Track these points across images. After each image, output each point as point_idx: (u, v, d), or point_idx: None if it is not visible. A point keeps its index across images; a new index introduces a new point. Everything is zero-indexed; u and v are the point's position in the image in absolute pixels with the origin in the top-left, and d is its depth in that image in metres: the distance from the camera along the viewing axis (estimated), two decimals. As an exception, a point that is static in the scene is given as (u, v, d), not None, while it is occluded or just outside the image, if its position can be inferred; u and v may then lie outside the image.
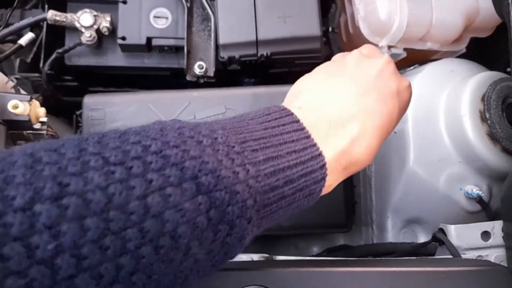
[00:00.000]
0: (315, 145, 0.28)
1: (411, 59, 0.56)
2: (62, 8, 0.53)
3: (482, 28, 0.56)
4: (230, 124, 0.27)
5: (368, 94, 0.32)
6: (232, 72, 0.54)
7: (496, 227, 0.42)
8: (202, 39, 0.54)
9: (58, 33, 0.54)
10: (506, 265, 0.40)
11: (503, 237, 0.42)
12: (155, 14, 0.53)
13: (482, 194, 0.47)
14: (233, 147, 0.24)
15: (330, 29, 0.60)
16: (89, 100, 0.50)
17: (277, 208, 0.26)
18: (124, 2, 0.53)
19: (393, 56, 0.54)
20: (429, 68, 0.52)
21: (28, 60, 0.54)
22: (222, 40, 0.51)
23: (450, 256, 0.42)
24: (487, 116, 0.46)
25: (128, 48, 0.53)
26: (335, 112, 0.30)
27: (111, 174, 0.19)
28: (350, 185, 0.55)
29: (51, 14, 0.51)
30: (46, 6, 0.54)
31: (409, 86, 0.35)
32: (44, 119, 0.45)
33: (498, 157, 0.46)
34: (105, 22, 0.52)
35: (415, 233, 0.53)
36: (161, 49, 0.54)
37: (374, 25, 0.53)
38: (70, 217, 0.17)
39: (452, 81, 0.51)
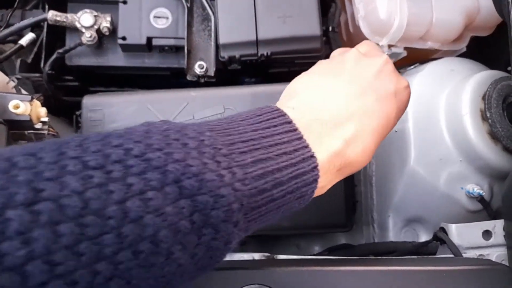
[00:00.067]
0: (307, 146, 0.27)
1: (411, 58, 0.56)
2: (63, 9, 0.54)
3: (483, 27, 0.56)
4: (220, 126, 0.26)
5: (365, 95, 0.31)
6: (233, 71, 0.54)
7: (497, 226, 0.42)
8: (202, 39, 0.54)
9: (58, 33, 0.54)
10: (507, 264, 0.40)
11: (504, 236, 0.41)
12: (155, 14, 0.53)
13: (483, 193, 0.47)
14: (220, 149, 0.24)
15: (330, 28, 0.60)
16: (88, 101, 0.50)
17: (266, 211, 0.25)
18: (124, 2, 0.53)
19: (393, 55, 0.54)
20: (430, 67, 0.52)
21: (29, 60, 0.54)
22: (222, 40, 0.51)
23: (451, 255, 0.41)
24: (488, 115, 0.46)
25: (128, 48, 0.54)
26: (331, 112, 0.30)
27: (89, 179, 0.19)
28: (350, 184, 0.55)
29: (52, 15, 0.51)
30: (47, 7, 0.54)
31: (408, 86, 0.35)
32: (45, 119, 0.44)
33: (499, 156, 0.46)
34: (105, 22, 0.52)
35: (416, 232, 0.53)
36: (162, 49, 0.54)
37: (374, 25, 0.53)
38: (43, 222, 0.17)
39: (453, 80, 0.51)
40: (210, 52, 0.53)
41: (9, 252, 0.16)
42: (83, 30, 0.51)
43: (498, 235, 0.42)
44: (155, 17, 0.53)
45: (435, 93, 0.50)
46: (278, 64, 0.55)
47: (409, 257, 0.46)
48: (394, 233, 0.54)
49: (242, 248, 0.57)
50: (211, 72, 0.52)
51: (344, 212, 0.51)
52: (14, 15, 0.54)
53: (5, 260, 0.16)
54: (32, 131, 0.44)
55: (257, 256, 0.41)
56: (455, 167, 0.48)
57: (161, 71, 0.56)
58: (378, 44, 0.53)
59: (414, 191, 0.51)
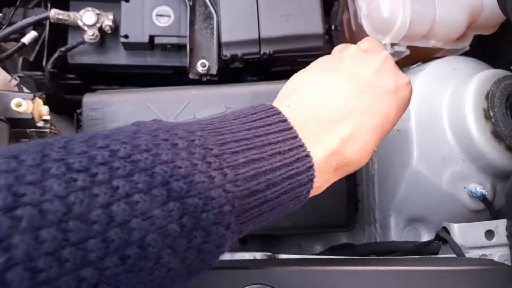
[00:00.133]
0: (302, 145, 0.27)
1: (414, 56, 0.55)
2: (65, 7, 0.53)
3: (486, 26, 0.55)
4: (211, 125, 0.25)
5: (363, 92, 0.31)
6: (235, 70, 0.54)
7: (500, 226, 0.42)
8: (204, 37, 0.54)
9: (61, 31, 0.54)
10: (510, 264, 0.40)
11: (507, 236, 0.41)
12: (158, 13, 0.53)
13: (486, 193, 0.47)
14: (211, 149, 0.23)
15: (332, 27, 0.59)
16: (88, 99, 0.50)
17: (260, 212, 0.25)
18: (127, 1, 0.53)
19: (396, 53, 0.54)
20: (433, 66, 0.52)
21: (31, 58, 0.54)
22: (224, 38, 0.51)
23: (454, 255, 0.41)
24: (491, 114, 0.46)
25: (130, 47, 0.53)
26: (328, 110, 0.29)
27: (72, 182, 0.19)
28: (352, 183, 0.55)
29: (54, 13, 0.51)
30: (49, 5, 0.54)
31: (409, 82, 0.34)
32: (47, 117, 0.45)
33: (502, 156, 0.46)
34: (107, 21, 0.52)
35: (418, 231, 0.53)
36: (164, 47, 0.54)
37: (377, 23, 0.52)
38: (23, 228, 0.17)
39: (456, 79, 0.50)
40: (212, 51, 0.53)
41: None
42: (85, 28, 0.51)
43: (501, 235, 0.42)
44: (157, 15, 0.53)
45: (437, 92, 0.50)
46: (280, 63, 0.55)
47: (411, 257, 0.46)
48: (396, 233, 0.54)
49: (243, 247, 0.57)
50: (214, 71, 0.52)
51: (346, 212, 0.50)
52: (17, 13, 0.54)
53: None
54: (34, 129, 0.44)
55: (258, 255, 0.41)
56: (457, 167, 0.48)
57: (163, 70, 0.56)
58: (380, 42, 0.52)
59: (416, 191, 0.51)
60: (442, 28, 0.52)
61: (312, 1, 0.51)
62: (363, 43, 0.37)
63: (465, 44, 0.56)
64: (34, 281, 0.16)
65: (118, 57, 0.54)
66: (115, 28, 0.53)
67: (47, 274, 0.17)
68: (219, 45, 0.52)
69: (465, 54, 0.56)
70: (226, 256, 0.41)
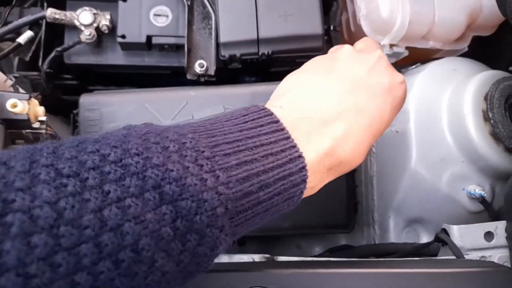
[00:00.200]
0: (294, 146, 0.26)
1: (413, 57, 0.55)
2: (61, 6, 0.53)
3: (485, 27, 0.55)
4: (203, 127, 0.25)
5: (356, 92, 0.30)
6: (233, 70, 0.54)
7: (499, 227, 0.42)
8: (202, 37, 0.53)
9: (57, 31, 0.54)
10: (509, 265, 0.40)
11: (506, 237, 0.41)
12: (155, 12, 0.53)
13: (485, 194, 0.47)
14: (203, 152, 0.23)
15: (331, 27, 0.59)
16: (85, 100, 0.49)
17: (253, 214, 0.25)
18: (124, 0, 0.52)
19: (395, 54, 0.54)
20: (431, 67, 0.52)
21: (27, 58, 0.54)
22: (223, 39, 0.51)
23: (453, 257, 0.41)
24: (490, 115, 0.45)
25: (128, 47, 0.53)
26: (320, 110, 0.29)
27: (62, 187, 0.18)
28: (351, 185, 0.55)
29: (50, 12, 0.51)
30: (45, 4, 0.53)
31: (403, 81, 0.34)
32: (43, 118, 0.44)
33: (501, 157, 0.46)
34: (104, 20, 0.51)
35: (417, 233, 0.53)
36: (161, 47, 0.53)
37: (376, 23, 0.52)
38: (14, 234, 0.17)
39: (455, 80, 0.50)
40: (210, 51, 0.52)
41: None
42: (82, 28, 0.51)
43: (500, 236, 0.42)
44: (155, 15, 0.53)
45: (436, 93, 0.50)
46: (279, 63, 0.54)
47: (410, 258, 0.45)
48: (395, 234, 0.54)
49: (242, 249, 0.56)
50: (212, 71, 0.52)
51: (345, 213, 0.50)
52: (12, 13, 0.53)
53: None
54: (30, 131, 0.44)
55: (257, 257, 0.41)
56: (456, 168, 0.48)
57: (161, 70, 0.56)
58: (379, 43, 0.52)
59: (415, 192, 0.51)
60: (441, 28, 0.52)
61: (311, 1, 0.51)
62: (359, 44, 0.37)
63: (464, 45, 0.56)
64: (27, 287, 0.16)
65: (115, 57, 0.54)
66: (112, 28, 0.52)
67: (40, 280, 0.17)
68: (217, 45, 0.52)
69: (464, 55, 0.56)
70: (224, 259, 0.41)
